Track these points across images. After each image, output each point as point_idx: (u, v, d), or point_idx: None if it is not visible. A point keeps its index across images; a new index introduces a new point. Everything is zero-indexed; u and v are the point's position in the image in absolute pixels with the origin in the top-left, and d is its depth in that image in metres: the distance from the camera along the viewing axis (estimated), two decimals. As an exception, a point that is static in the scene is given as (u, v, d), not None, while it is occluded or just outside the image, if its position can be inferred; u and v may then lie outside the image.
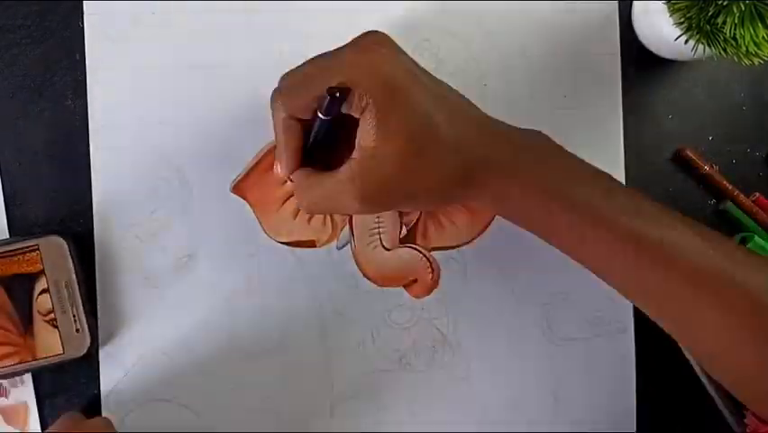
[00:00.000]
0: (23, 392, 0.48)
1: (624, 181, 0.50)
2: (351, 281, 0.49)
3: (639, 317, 0.50)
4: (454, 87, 0.41)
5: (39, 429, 0.48)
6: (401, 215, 0.49)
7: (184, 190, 0.49)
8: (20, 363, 0.46)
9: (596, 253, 0.40)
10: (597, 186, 0.39)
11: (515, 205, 0.40)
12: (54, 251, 0.46)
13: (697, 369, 0.48)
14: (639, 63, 0.51)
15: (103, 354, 0.48)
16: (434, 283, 0.49)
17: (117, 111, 0.48)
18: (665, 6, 0.45)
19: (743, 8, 0.41)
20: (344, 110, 0.37)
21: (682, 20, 0.43)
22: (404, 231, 0.49)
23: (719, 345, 0.39)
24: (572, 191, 0.38)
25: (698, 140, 0.51)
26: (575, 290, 0.50)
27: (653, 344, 0.50)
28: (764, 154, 0.52)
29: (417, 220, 0.49)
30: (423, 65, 0.40)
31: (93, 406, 0.48)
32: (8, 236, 0.48)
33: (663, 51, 0.50)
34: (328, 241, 0.49)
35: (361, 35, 0.38)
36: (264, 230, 0.48)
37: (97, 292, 0.48)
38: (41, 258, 0.46)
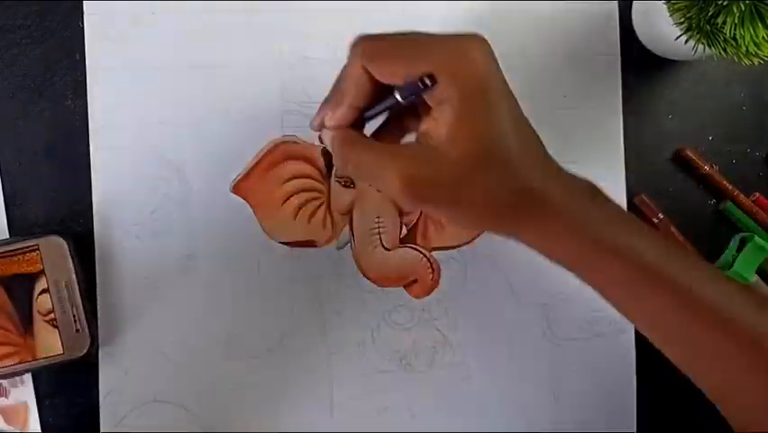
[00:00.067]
0: (23, 392, 0.48)
1: (624, 181, 0.51)
2: (351, 281, 0.49)
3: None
4: None
5: (39, 429, 0.48)
6: (401, 215, 0.49)
7: (184, 190, 0.48)
8: (20, 363, 0.46)
9: (645, 309, 0.39)
10: (653, 239, 0.38)
11: (558, 245, 0.38)
12: (54, 251, 0.46)
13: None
14: (639, 63, 0.51)
15: (103, 354, 0.48)
16: (435, 283, 0.49)
17: (117, 111, 0.48)
18: (665, 6, 0.45)
19: (743, 8, 0.41)
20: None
21: (682, 20, 0.43)
22: (404, 231, 0.49)
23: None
24: (626, 242, 0.37)
25: (698, 140, 0.51)
26: (575, 290, 0.49)
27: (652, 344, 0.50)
28: (764, 154, 0.52)
29: (417, 220, 0.49)
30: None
31: (92, 406, 0.48)
32: (8, 236, 0.48)
33: (663, 51, 0.50)
34: (328, 241, 0.49)
35: (466, 34, 0.36)
36: (264, 230, 0.48)
37: (97, 292, 0.48)
38: (41, 258, 0.46)
